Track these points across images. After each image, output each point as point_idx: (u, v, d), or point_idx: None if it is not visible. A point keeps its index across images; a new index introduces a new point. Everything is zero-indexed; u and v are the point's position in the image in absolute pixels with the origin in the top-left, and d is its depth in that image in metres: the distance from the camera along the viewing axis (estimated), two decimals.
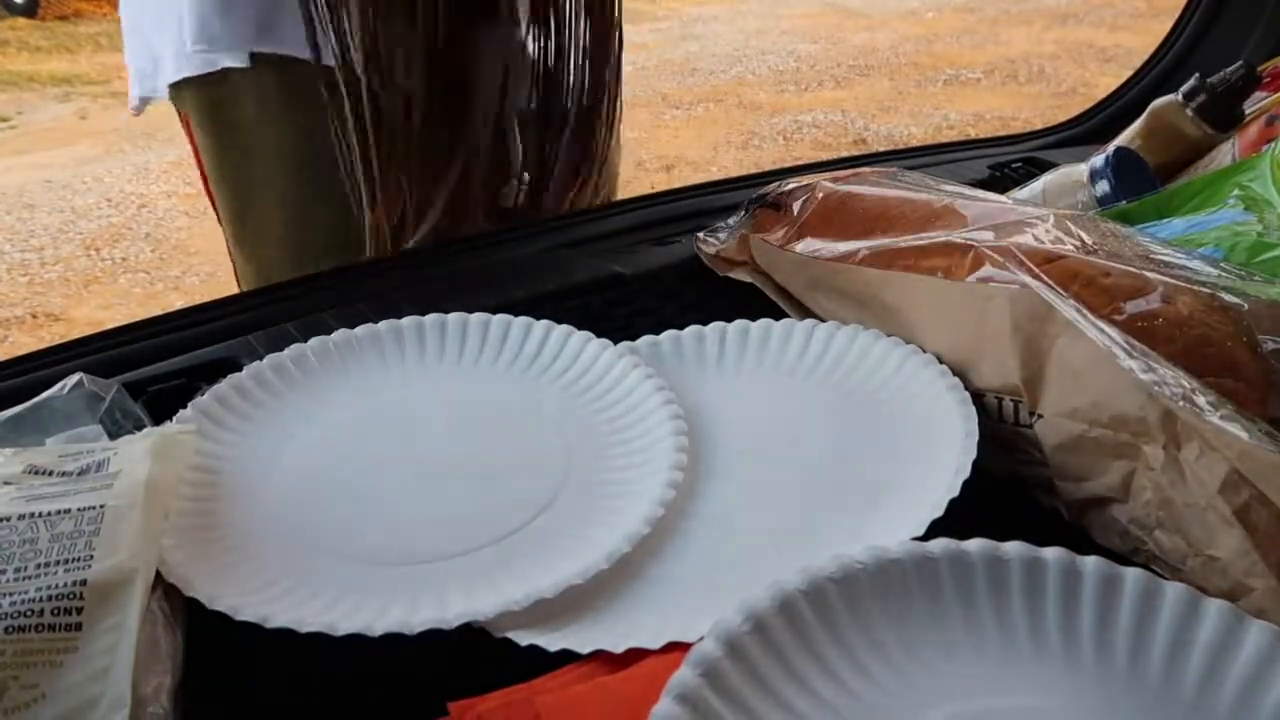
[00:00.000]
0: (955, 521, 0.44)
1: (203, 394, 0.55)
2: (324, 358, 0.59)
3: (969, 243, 0.53)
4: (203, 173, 0.87)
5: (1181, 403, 0.42)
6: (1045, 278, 0.49)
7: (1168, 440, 0.43)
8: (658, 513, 0.47)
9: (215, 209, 0.88)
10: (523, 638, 0.41)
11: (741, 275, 0.69)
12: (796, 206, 0.66)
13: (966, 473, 0.46)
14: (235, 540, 0.47)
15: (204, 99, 0.81)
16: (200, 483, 0.49)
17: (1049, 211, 0.55)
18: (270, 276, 0.86)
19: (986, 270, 0.51)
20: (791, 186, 0.68)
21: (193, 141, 0.86)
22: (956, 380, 0.52)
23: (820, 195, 0.65)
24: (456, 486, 0.51)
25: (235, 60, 0.77)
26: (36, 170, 3.80)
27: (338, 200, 0.79)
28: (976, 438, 0.48)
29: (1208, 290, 0.48)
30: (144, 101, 0.87)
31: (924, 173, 0.72)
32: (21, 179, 3.71)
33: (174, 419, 0.53)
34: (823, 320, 0.62)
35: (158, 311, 0.71)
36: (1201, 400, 0.43)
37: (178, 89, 0.82)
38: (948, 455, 0.48)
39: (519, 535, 0.47)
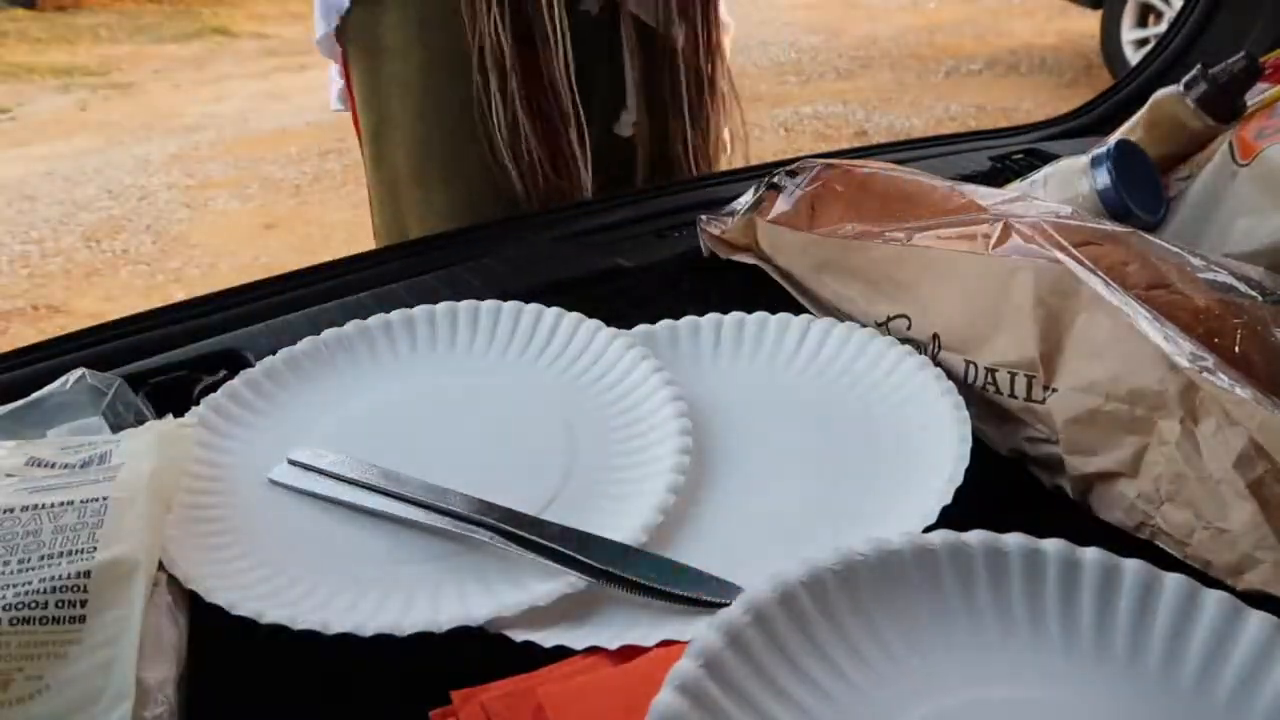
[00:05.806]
0: (955, 506, 0.45)
1: (205, 386, 0.55)
2: (335, 349, 0.58)
3: (998, 217, 0.54)
4: (353, 100, 0.97)
5: (1204, 375, 0.43)
6: (1075, 252, 0.49)
7: (1185, 414, 0.44)
8: (657, 519, 0.46)
9: (359, 134, 0.97)
10: (518, 634, 0.42)
11: (744, 258, 0.69)
12: (810, 189, 0.66)
13: (959, 481, 0.46)
14: (234, 535, 0.47)
15: (357, 24, 0.92)
16: (202, 475, 0.49)
17: (1071, 210, 0.55)
18: (399, 199, 0.95)
19: (1013, 243, 0.52)
20: (804, 170, 0.68)
21: (347, 74, 0.96)
22: (951, 385, 0.52)
23: (835, 178, 0.65)
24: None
25: None
26: (37, 162, 3.79)
27: (461, 134, 0.88)
28: (970, 444, 0.48)
29: (1223, 284, 0.48)
30: (327, 38, 0.95)
31: (926, 166, 0.72)
32: (22, 171, 3.71)
33: (187, 415, 0.53)
34: (828, 303, 0.62)
35: (159, 303, 0.71)
36: (1223, 375, 0.43)
37: (345, 19, 0.92)
38: (941, 463, 0.48)
39: None
